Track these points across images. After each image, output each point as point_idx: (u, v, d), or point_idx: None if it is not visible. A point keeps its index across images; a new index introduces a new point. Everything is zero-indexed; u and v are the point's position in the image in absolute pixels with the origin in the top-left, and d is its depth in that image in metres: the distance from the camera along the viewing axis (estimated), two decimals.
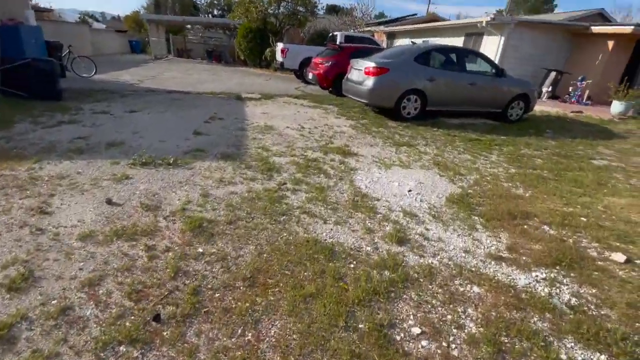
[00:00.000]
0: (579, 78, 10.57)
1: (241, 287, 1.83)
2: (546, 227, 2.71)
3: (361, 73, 6.41)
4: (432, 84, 6.26)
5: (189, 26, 28.87)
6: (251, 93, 8.59)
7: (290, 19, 16.48)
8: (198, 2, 35.54)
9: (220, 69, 15.83)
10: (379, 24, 20.67)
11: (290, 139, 4.75)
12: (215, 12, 35.70)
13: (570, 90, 10.81)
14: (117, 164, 3.37)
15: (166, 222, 2.41)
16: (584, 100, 10.60)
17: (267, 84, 10.97)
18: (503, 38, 10.78)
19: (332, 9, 32.09)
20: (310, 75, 9.87)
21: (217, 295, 1.77)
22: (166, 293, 1.75)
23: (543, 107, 9.36)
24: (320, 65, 9.37)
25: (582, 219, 2.91)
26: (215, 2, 35.08)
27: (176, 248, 2.13)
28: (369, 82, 6.17)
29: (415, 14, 21.42)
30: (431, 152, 4.64)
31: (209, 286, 1.83)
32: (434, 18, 19.27)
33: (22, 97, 5.94)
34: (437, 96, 6.38)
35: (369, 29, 19.02)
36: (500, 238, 2.52)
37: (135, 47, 24.69)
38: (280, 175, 3.45)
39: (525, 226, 2.69)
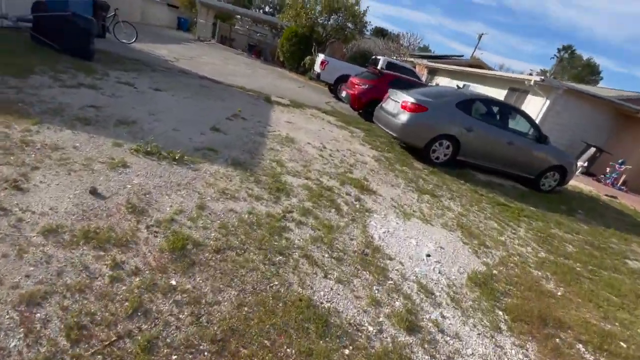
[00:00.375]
0: (619, 161, 10.03)
1: (206, 352, 1.46)
2: (581, 347, 2.27)
3: (397, 105, 6.09)
4: (469, 134, 5.88)
5: (238, 16, 29.38)
6: (281, 97, 8.37)
7: (337, 32, 16.46)
8: None
9: (258, 65, 15.83)
10: (422, 57, 20.52)
11: (308, 158, 4.42)
12: (267, 9, 36.40)
13: (607, 170, 10.26)
14: (120, 146, 3.09)
15: (147, 234, 2.07)
16: (619, 185, 10.03)
17: (300, 92, 10.78)
18: (548, 101, 10.36)
19: (380, 32, 32.30)
20: (343, 94, 9.64)
21: (173, 358, 1.40)
22: (113, 339, 1.40)
23: (576, 182, 8.85)
24: (356, 86, 9.12)
25: (622, 344, 2.45)
26: None
27: (147, 272, 1.78)
28: (404, 116, 5.84)
29: (462, 56, 21.22)
30: (455, 209, 4.24)
31: (168, 341, 1.46)
32: (479, 64, 18.99)
33: (53, 49, 5.83)
34: (471, 147, 6.00)
35: (411, 59, 18.87)
36: (527, 351, 2.09)
37: (183, 25, 25.16)
38: (288, 199, 3.11)
39: (558, 340, 2.25)
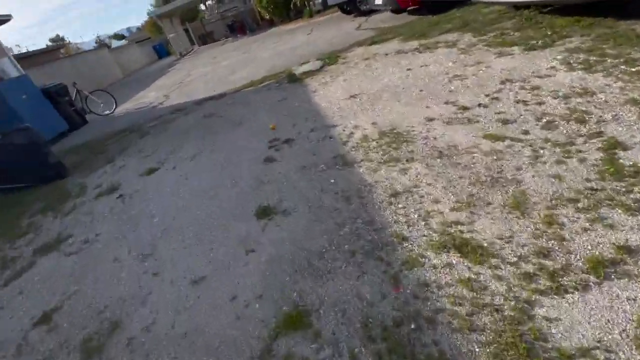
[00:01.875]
0: None
1: None
2: None
3: None
4: None
5: (202, 7, 25.80)
6: (305, 62, 5.58)
7: None
8: None
9: (250, 41, 12.81)
10: None
11: (473, 171, 1.81)
12: None
13: None
14: None
15: None
16: None
17: (313, 40, 7.70)
18: None
19: None
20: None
21: None
22: None
23: None
24: None
25: None
26: None
27: None
28: None
29: None
30: None
31: None
32: None
33: (23, 189, 4.09)
34: None
35: None
36: None
37: (160, 52, 22.97)
38: None
39: None
